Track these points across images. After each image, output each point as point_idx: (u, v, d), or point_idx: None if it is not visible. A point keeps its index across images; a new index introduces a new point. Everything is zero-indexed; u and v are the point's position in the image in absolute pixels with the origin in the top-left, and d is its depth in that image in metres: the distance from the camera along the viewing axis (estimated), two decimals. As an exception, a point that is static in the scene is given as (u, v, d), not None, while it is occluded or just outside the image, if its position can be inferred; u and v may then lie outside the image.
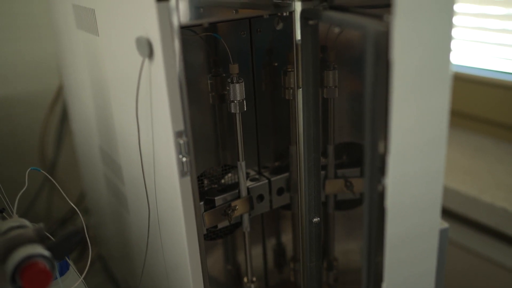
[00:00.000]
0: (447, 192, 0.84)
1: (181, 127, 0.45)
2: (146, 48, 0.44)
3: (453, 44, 0.38)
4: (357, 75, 0.59)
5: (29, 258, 0.41)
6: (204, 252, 0.51)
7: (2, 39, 0.89)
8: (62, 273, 0.55)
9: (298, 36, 0.50)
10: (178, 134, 0.45)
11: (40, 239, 0.44)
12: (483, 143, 0.95)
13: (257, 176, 0.62)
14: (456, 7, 0.38)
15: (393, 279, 0.44)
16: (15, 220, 0.47)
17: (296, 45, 0.50)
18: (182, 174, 0.47)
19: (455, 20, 0.38)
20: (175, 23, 0.42)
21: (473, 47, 1.01)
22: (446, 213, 0.86)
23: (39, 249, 0.42)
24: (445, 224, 0.44)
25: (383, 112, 0.39)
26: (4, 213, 0.51)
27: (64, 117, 0.93)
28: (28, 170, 0.55)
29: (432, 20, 0.38)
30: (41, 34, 0.91)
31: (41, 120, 0.93)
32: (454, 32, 0.38)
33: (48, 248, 0.43)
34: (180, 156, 0.46)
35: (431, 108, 0.40)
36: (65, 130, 0.95)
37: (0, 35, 0.89)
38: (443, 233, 0.44)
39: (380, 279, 0.44)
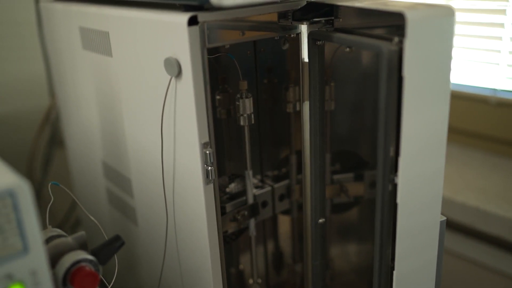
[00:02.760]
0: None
1: (207, 138, 0.50)
2: (176, 68, 0.49)
3: (453, 63, 0.45)
4: (351, 89, 0.65)
5: (78, 262, 0.44)
6: (224, 257, 0.55)
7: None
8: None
9: (303, 54, 0.56)
10: (204, 145, 0.50)
11: (81, 246, 0.47)
12: (451, 150, 1.04)
13: (260, 184, 0.67)
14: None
15: (403, 267, 0.50)
16: (52, 230, 0.50)
17: (302, 63, 0.56)
18: (207, 182, 0.51)
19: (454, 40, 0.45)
20: (205, 45, 0.47)
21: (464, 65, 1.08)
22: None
23: (85, 255, 0.45)
24: (443, 217, 0.51)
25: (394, 122, 0.45)
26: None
27: (54, 136, 0.95)
28: (49, 184, 0.58)
29: (436, 41, 0.44)
30: (29, 55, 0.93)
31: (29, 140, 0.94)
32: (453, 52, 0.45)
33: (93, 253, 0.46)
34: (205, 166, 0.51)
35: (434, 118, 0.47)
36: (54, 149, 0.96)
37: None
38: (442, 224, 0.50)
39: (390, 269, 0.50)
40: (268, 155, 0.68)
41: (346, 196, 0.67)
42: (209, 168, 0.51)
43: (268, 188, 0.66)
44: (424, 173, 0.47)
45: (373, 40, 0.45)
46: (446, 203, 0.88)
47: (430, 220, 0.50)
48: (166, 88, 0.51)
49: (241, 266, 0.71)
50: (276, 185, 0.66)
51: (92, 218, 0.60)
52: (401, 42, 0.43)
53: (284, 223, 0.73)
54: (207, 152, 0.50)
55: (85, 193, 0.84)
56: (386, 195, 0.47)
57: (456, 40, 1.06)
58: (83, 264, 0.45)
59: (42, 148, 0.96)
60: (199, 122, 0.49)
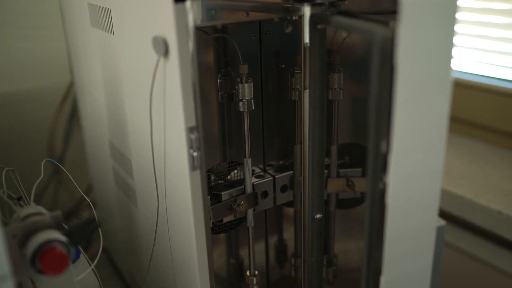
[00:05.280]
0: (444, 195, 0.86)
1: (193, 123, 0.48)
2: (162, 47, 0.47)
3: (455, 51, 0.41)
4: (361, 78, 0.61)
5: (48, 242, 0.43)
6: (211, 244, 0.53)
7: (14, 37, 0.92)
8: (73, 261, 0.57)
9: (306, 39, 0.52)
10: (190, 130, 0.48)
11: (57, 226, 0.46)
12: (478, 148, 0.98)
13: (262, 173, 0.64)
14: (458, 15, 0.40)
15: (392, 273, 0.46)
16: (33, 208, 0.49)
17: (304, 47, 0.53)
18: (193, 168, 0.49)
19: (457, 28, 0.40)
20: (191, 24, 0.45)
21: (473, 54, 1.03)
22: (443, 215, 0.89)
23: (57, 235, 0.44)
24: (442, 222, 0.46)
25: (387, 113, 0.42)
26: (21, 202, 0.54)
27: (74, 114, 0.95)
28: (44, 161, 0.57)
29: (435, 27, 0.40)
30: (51, 33, 0.94)
31: (50, 117, 0.95)
32: (456, 39, 0.41)
33: (66, 234, 0.45)
34: (191, 151, 0.48)
35: (432, 111, 0.43)
36: (73, 126, 0.97)
37: (12, 33, 0.91)
38: (439, 230, 0.46)
39: (379, 273, 0.47)
40: (272, 144, 0.65)
41: (352, 191, 0.64)
42: (195, 154, 0.48)
43: (269, 178, 0.63)
44: (418, 172, 0.44)
45: (368, 25, 0.42)
46: (467, 206, 0.82)
47: (424, 224, 0.46)
48: (156, 68, 0.49)
49: (241, 258, 0.69)
50: (277, 176, 0.64)
51: (84, 195, 0.59)
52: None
53: (287, 216, 0.70)
54: (193, 137, 0.48)
55: (97, 173, 0.84)
56: (376, 194, 0.44)
57: (471, 29, 1.00)
58: (54, 244, 0.44)
59: (62, 124, 0.97)
60: (185, 105, 0.47)
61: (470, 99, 1.00)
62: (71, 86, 0.92)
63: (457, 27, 0.40)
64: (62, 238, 0.44)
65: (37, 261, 0.43)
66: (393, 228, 0.44)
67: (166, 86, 0.49)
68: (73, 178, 0.99)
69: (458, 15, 0.40)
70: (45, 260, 0.43)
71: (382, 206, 0.43)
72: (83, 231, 0.46)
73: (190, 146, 0.48)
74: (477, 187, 0.85)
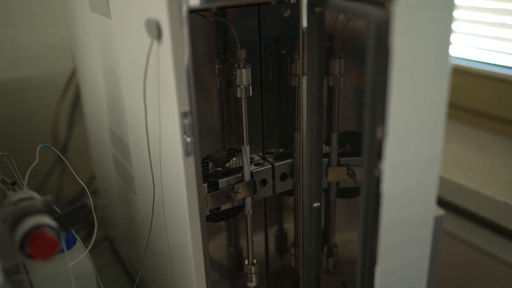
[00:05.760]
0: (449, 186, 0.84)
1: (186, 108, 0.47)
2: (155, 30, 0.46)
3: (454, 37, 0.39)
4: (363, 65, 0.60)
5: (37, 227, 0.43)
6: (206, 232, 0.52)
7: (17, 23, 0.91)
8: (69, 247, 0.57)
9: (304, 23, 0.51)
10: (183, 115, 0.47)
11: (48, 211, 0.46)
12: (486, 138, 0.96)
13: (261, 161, 0.63)
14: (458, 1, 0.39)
15: (388, 263, 0.45)
16: (25, 192, 0.49)
17: (303, 32, 0.51)
18: (186, 153, 0.48)
19: (458, 13, 0.39)
20: (184, 6, 0.44)
21: (483, 42, 1.01)
22: (447, 206, 0.87)
23: (47, 220, 0.44)
24: (440, 211, 0.45)
25: (383, 98, 0.40)
26: (15, 186, 0.53)
27: (77, 101, 0.95)
28: (40, 146, 0.57)
29: (433, 9, 0.39)
30: (55, 19, 0.93)
31: (54, 103, 0.95)
32: (454, 25, 0.39)
33: (56, 219, 0.44)
34: (185, 136, 0.47)
35: (430, 97, 0.41)
36: (77, 113, 0.97)
37: (16, 20, 0.91)
38: (438, 220, 0.45)
39: (375, 263, 0.45)
40: (272, 132, 0.64)
41: (353, 180, 0.62)
42: (188, 139, 0.48)
43: (268, 166, 0.62)
44: (415, 160, 0.42)
45: (363, 6, 0.40)
46: (473, 197, 0.80)
47: (421, 214, 0.44)
48: (149, 52, 0.49)
49: (240, 247, 0.69)
50: (277, 163, 0.62)
51: (79, 180, 0.59)
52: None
53: (287, 205, 0.69)
54: (186, 122, 0.47)
55: (99, 160, 0.84)
56: (372, 182, 0.43)
57: (481, 16, 0.97)
58: (44, 229, 0.43)
59: (66, 111, 0.97)
60: (178, 90, 0.46)
61: (479, 88, 0.98)
62: (73, 73, 0.92)
63: (458, 13, 0.39)
64: (52, 223, 0.44)
65: (26, 246, 0.43)
66: (389, 217, 0.43)
67: (160, 70, 0.48)
68: (77, 166, 0.99)
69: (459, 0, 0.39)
70: (34, 245, 0.42)
71: (377, 194, 0.42)
72: (74, 216, 0.46)
73: (184, 132, 0.47)
74: (483, 179, 0.83)
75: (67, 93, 0.95)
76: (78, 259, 0.53)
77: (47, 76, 0.96)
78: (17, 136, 0.95)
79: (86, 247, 0.89)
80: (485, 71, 0.98)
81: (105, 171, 0.81)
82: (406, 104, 0.40)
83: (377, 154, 0.42)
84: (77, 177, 0.59)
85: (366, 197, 0.43)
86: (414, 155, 0.42)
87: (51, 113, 0.95)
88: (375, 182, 0.42)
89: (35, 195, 0.49)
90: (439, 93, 0.41)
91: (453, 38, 0.39)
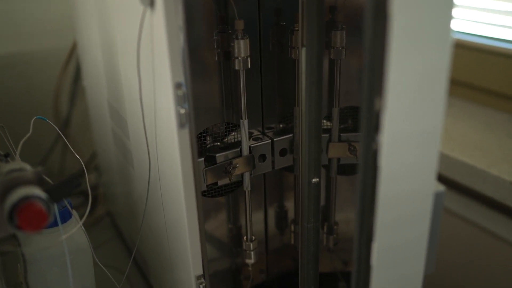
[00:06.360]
0: (455, 165, 0.83)
1: (180, 78, 0.46)
2: (147, -3, 0.44)
3: (459, 11, 0.37)
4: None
5: (26, 198, 0.42)
6: (202, 206, 0.51)
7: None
8: (64, 221, 0.56)
9: (304, -8, 0.49)
10: (177, 85, 0.46)
11: (39, 182, 0.45)
12: (495, 117, 0.93)
13: (260, 136, 0.62)
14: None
15: (385, 239, 0.44)
16: (17, 164, 0.48)
17: (302, 1, 0.50)
18: (181, 125, 0.47)
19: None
20: (177, -29, 0.42)
21: (492, 17, 0.98)
22: (453, 185, 0.86)
23: (36, 191, 0.43)
24: (441, 187, 0.44)
25: (381, 68, 0.39)
26: (8, 158, 0.53)
27: (78, 75, 0.94)
28: (34, 118, 0.56)
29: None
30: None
31: (55, 78, 0.94)
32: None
33: (46, 190, 0.44)
34: (179, 108, 0.46)
35: (430, 68, 0.40)
36: (78, 88, 0.96)
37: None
38: (438, 196, 0.43)
39: (372, 239, 0.44)
40: (272, 106, 0.63)
41: (355, 157, 0.61)
42: (182, 111, 0.46)
43: (267, 141, 0.61)
44: (415, 133, 0.41)
45: (362, -29, 0.38)
46: (479, 176, 0.79)
47: (420, 190, 0.43)
48: (142, 21, 0.47)
49: (240, 224, 0.68)
50: (276, 139, 0.61)
51: (76, 155, 0.58)
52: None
53: (287, 181, 0.68)
54: (180, 93, 0.46)
55: (100, 135, 0.83)
56: (369, 155, 0.41)
57: None
58: (33, 200, 0.42)
59: (67, 85, 0.96)
60: (172, 60, 0.45)
61: (487, 65, 0.95)
62: (74, 47, 0.90)
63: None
64: (42, 194, 0.43)
65: (15, 217, 0.42)
66: (386, 192, 0.41)
67: (154, 40, 0.47)
68: (79, 142, 0.99)
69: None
70: (23, 216, 0.41)
71: (375, 168, 0.41)
72: (65, 188, 0.45)
73: (178, 103, 0.46)
74: (490, 157, 0.81)
75: (68, 67, 0.94)
76: (71, 232, 0.53)
77: (49, 51, 0.95)
78: (19, 110, 0.95)
79: (88, 223, 0.89)
80: (493, 46, 0.95)
81: (105, 147, 0.80)
82: (405, 75, 0.39)
83: (375, 126, 0.40)
84: (72, 150, 0.58)
85: (364, 170, 0.41)
86: (413, 128, 0.41)
87: (53, 88, 0.94)
88: (372, 156, 0.41)
89: (27, 166, 0.48)
90: (440, 64, 0.39)
91: (457, 10, 0.37)
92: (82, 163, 0.58)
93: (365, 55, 0.38)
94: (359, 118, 0.60)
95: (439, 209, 0.44)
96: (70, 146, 0.59)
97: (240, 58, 0.54)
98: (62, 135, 0.59)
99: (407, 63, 0.39)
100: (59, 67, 0.93)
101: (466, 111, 0.96)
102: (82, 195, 0.81)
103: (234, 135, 0.61)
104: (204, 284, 0.53)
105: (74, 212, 0.58)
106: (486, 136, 0.88)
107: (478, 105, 0.97)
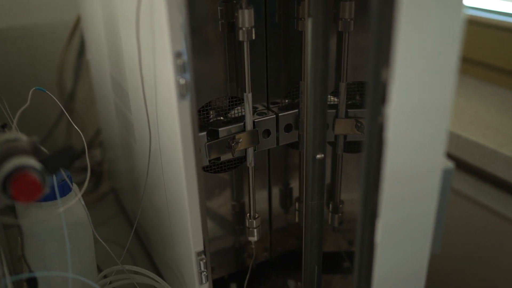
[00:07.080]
0: (466, 145, 0.81)
1: (180, 47, 0.44)
2: (147, -39, 0.42)
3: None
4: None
5: (20, 169, 0.41)
6: (203, 181, 0.50)
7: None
8: (63, 194, 0.55)
9: (311, -41, 0.47)
10: (177, 54, 0.44)
11: (34, 152, 0.44)
12: (509, 96, 0.91)
13: (265, 111, 0.60)
14: None
15: (390, 216, 0.42)
16: (12, 134, 0.47)
17: (309, -31, 0.47)
18: (180, 96, 0.45)
19: None
20: None
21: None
22: (463, 166, 0.84)
23: (31, 161, 0.42)
24: (449, 164, 0.42)
25: (389, 36, 0.37)
26: (6, 129, 0.52)
27: (82, 49, 0.93)
28: (32, 89, 0.55)
29: None
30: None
31: (59, 52, 0.93)
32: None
33: (41, 161, 0.42)
34: (178, 78, 0.45)
35: (440, 39, 0.37)
36: (83, 62, 0.94)
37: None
38: (446, 173, 0.42)
39: (376, 216, 0.43)
40: (277, 80, 0.61)
41: (362, 133, 0.59)
42: (182, 81, 0.45)
43: (272, 116, 0.59)
44: (423, 106, 0.39)
45: None
46: (490, 156, 0.76)
47: (428, 166, 0.41)
48: (143, -13, 0.45)
49: (243, 201, 0.66)
50: (281, 114, 0.59)
51: (77, 128, 0.57)
52: None
53: (292, 158, 0.66)
54: (179, 62, 0.44)
55: (103, 110, 0.82)
56: (375, 128, 0.39)
57: None
58: (27, 170, 0.41)
59: (72, 59, 0.94)
60: (171, 27, 0.43)
61: (503, 43, 0.92)
62: (79, 21, 0.89)
63: None
64: (36, 164, 0.42)
65: (8, 187, 0.41)
66: (392, 167, 0.40)
67: (154, 7, 0.45)
68: (84, 117, 0.98)
69: None
70: (16, 186, 0.40)
71: (380, 141, 0.39)
72: (60, 159, 0.43)
73: (177, 73, 0.44)
74: (502, 137, 0.78)
75: (73, 41, 0.92)
76: (69, 205, 0.52)
77: (53, 24, 0.93)
78: (23, 84, 0.93)
79: (92, 200, 0.89)
80: (510, 23, 0.92)
81: (109, 121, 0.79)
82: (414, 44, 0.37)
83: (382, 98, 0.38)
84: (72, 122, 0.57)
85: (369, 144, 0.40)
86: (421, 100, 0.39)
87: (57, 62, 0.93)
88: (378, 129, 0.39)
89: (23, 137, 0.47)
90: (451, 35, 0.37)
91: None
92: (82, 136, 0.57)
93: (372, 21, 0.36)
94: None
95: (447, 187, 0.42)
96: (70, 119, 0.58)
97: (244, 29, 0.52)
98: (62, 107, 0.57)
99: (416, 32, 0.37)
100: (63, 41, 0.92)
101: (480, 91, 0.93)
102: (85, 171, 0.80)
103: (238, 109, 0.59)
104: (204, 261, 0.52)
105: (74, 186, 0.57)
106: (499, 116, 0.85)
107: (493, 85, 0.94)
